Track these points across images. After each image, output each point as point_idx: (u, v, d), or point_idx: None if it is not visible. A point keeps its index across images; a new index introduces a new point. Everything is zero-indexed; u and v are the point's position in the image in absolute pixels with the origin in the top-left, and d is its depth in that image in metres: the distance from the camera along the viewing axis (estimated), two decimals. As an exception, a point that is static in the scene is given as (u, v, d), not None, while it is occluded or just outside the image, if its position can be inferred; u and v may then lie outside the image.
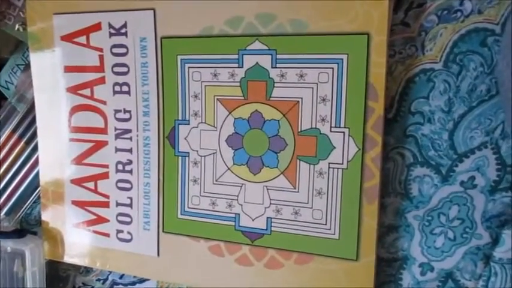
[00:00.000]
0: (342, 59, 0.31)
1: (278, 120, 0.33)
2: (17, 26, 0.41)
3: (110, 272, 0.43)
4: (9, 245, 0.42)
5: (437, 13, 0.31)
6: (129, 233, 0.38)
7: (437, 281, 0.33)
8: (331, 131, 0.32)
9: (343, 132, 0.31)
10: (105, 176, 0.39)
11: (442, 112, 0.31)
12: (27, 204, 0.45)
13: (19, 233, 0.43)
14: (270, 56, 0.32)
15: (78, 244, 0.41)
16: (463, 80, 0.31)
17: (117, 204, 0.39)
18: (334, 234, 0.32)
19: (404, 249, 0.33)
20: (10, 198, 0.45)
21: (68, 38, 0.38)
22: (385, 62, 0.30)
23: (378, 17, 0.29)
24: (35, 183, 0.44)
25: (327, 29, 0.31)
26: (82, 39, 0.38)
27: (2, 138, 0.44)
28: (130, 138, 0.37)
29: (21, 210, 0.45)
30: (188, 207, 0.36)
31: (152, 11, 0.35)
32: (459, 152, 0.31)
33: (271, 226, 0.34)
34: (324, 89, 0.31)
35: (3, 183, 0.45)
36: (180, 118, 0.35)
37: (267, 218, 0.34)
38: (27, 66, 0.43)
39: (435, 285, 0.33)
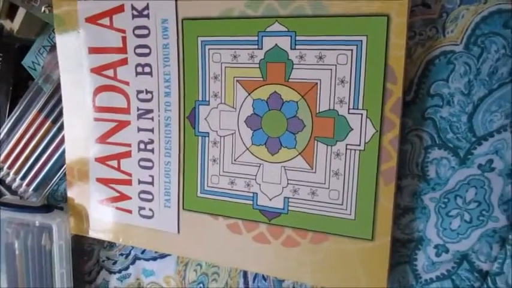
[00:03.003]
0: (361, 41, 0.31)
1: (296, 102, 0.33)
2: (43, 8, 0.41)
3: (133, 247, 0.45)
4: (37, 219, 0.44)
5: (459, -6, 0.30)
6: (150, 210, 0.40)
7: (452, 263, 0.33)
8: (349, 112, 0.32)
9: (361, 114, 0.32)
10: (127, 154, 0.40)
11: (461, 95, 0.31)
12: (53, 181, 0.46)
13: (47, 208, 0.44)
14: (289, 38, 0.32)
15: (102, 220, 0.42)
16: (484, 63, 0.30)
17: (139, 182, 0.40)
18: (350, 214, 0.33)
19: (420, 231, 0.34)
20: (37, 175, 0.46)
21: (92, 19, 0.39)
22: (405, 44, 0.30)
23: (398, -2, 0.29)
24: (61, 161, 0.45)
25: (347, 10, 0.31)
26: (105, 21, 0.38)
27: (29, 118, 0.45)
28: (152, 118, 0.38)
29: (48, 187, 0.47)
30: (208, 186, 0.37)
31: (174, -7, 0.35)
32: (478, 135, 0.31)
33: (288, 205, 0.35)
34: (342, 71, 0.32)
35: (30, 161, 0.46)
36: (200, 99, 0.36)
37: (284, 197, 0.35)
38: (53, 47, 0.44)
39: (450, 267, 0.33)
